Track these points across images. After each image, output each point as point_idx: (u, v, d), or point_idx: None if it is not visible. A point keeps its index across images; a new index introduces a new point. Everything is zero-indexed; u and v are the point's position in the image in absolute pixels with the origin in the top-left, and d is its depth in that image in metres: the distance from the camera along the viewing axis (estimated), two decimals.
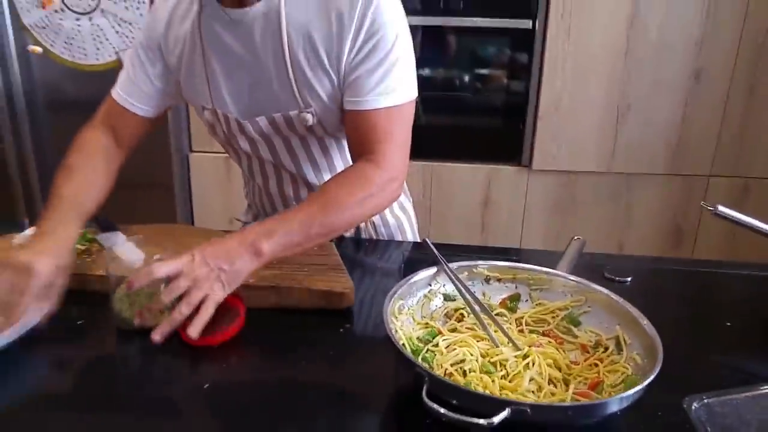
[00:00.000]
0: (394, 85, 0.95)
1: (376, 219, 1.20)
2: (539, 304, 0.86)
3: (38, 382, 0.75)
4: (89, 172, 1.01)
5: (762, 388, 0.69)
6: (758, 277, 0.94)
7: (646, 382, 0.62)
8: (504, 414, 0.58)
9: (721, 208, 0.83)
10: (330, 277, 0.92)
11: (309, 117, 1.00)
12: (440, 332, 0.78)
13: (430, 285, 0.86)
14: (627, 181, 2.27)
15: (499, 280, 0.88)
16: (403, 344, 0.72)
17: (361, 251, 1.14)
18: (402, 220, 1.24)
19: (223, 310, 0.81)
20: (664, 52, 2.12)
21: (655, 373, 0.63)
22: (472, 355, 0.73)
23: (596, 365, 0.74)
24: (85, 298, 0.89)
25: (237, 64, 1.00)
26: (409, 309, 0.82)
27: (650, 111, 2.19)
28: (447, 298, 0.86)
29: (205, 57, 1.01)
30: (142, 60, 1.06)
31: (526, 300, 0.87)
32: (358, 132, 0.97)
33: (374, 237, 1.21)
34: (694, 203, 2.27)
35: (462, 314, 0.83)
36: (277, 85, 0.99)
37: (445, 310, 0.84)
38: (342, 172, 0.97)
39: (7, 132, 2.23)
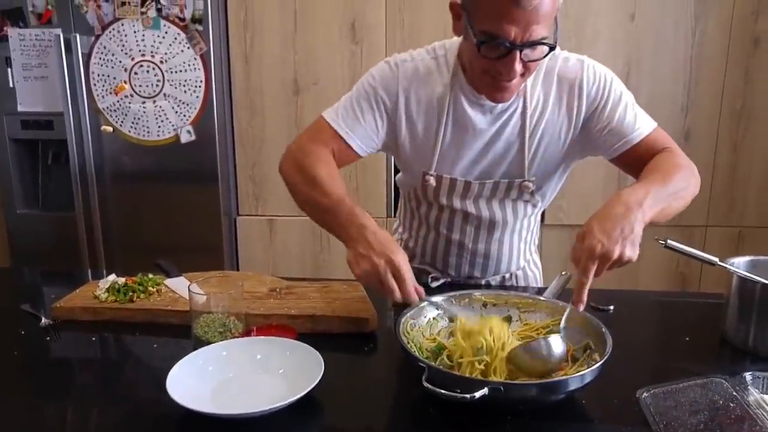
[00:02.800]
0: (643, 116, 1.15)
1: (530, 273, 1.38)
2: (526, 323, 1.05)
3: None
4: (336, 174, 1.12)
5: (695, 380, 0.87)
6: (715, 303, 1.12)
7: (595, 366, 0.81)
8: (483, 391, 0.77)
9: (671, 242, 1.03)
10: (358, 307, 1.14)
11: (530, 185, 1.19)
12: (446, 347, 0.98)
13: (438, 310, 1.06)
14: None
15: (494, 304, 1.08)
16: (414, 351, 0.92)
17: None
18: (536, 273, 1.42)
19: (283, 334, 1.02)
20: (655, 116, 2.30)
21: (603, 360, 0.82)
22: None
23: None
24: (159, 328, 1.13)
25: (474, 137, 1.15)
26: (419, 328, 1.02)
27: None
28: (451, 319, 1.06)
29: (443, 127, 1.14)
30: (371, 106, 1.15)
31: (516, 320, 1.06)
32: (644, 159, 1.11)
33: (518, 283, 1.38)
34: None
35: None
36: (511, 157, 1.17)
37: (450, 329, 1.04)
38: (654, 159, 1.09)
39: (78, 201, 2.47)
